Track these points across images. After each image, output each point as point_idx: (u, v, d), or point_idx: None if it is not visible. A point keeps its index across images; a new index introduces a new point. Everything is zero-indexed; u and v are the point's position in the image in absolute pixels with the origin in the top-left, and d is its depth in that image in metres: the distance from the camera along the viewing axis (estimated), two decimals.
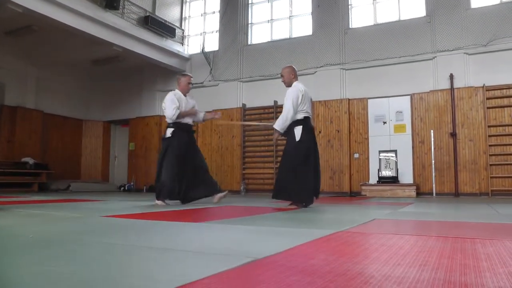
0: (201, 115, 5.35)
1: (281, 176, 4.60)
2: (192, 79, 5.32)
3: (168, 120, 5.00)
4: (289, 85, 4.78)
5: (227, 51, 11.77)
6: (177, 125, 4.99)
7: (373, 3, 10.32)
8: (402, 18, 9.87)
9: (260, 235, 2.26)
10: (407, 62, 9.47)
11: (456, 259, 1.48)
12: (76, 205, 4.89)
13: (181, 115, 4.97)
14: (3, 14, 8.50)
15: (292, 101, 4.53)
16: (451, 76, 8.94)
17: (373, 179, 9.29)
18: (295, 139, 4.58)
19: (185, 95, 5.17)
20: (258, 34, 11.79)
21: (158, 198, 4.92)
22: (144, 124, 12.81)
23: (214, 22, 12.48)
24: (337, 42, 10.27)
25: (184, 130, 5.05)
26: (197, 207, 4.73)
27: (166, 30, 11.65)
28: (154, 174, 13.20)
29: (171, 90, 5.30)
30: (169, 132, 4.98)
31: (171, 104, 4.91)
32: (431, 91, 9.16)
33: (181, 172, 4.87)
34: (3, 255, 1.60)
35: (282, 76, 4.87)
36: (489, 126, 8.61)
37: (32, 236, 2.15)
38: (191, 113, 5.15)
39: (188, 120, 5.14)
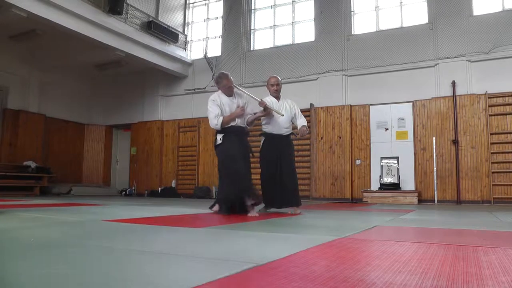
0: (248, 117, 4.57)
1: (296, 182, 4.71)
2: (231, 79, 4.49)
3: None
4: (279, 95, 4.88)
5: (229, 56, 11.81)
6: (226, 129, 4.36)
7: (375, 10, 10.35)
8: (404, 25, 9.89)
9: (261, 240, 2.25)
10: (409, 69, 9.48)
11: (458, 267, 1.47)
12: (77, 209, 4.89)
13: (225, 122, 4.31)
14: (7, 19, 8.55)
15: None
16: (453, 83, 8.94)
17: (375, 185, 9.26)
18: (294, 147, 4.91)
19: (229, 96, 4.47)
20: (260, 40, 11.82)
21: (212, 206, 4.51)
22: (146, 128, 12.83)
23: (217, 27, 12.53)
24: (340, 48, 10.29)
25: (235, 134, 4.37)
26: (197, 212, 4.72)
27: (169, 35, 11.70)
28: (155, 179, 13.19)
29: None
30: (219, 137, 4.38)
31: (211, 113, 4.33)
32: (433, 98, 9.16)
33: (240, 178, 4.24)
34: (4, 258, 1.60)
35: (279, 85, 4.82)
36: (491, 134, 8.59)
37: (33, 239, 2.15)
38: (236, 116, 4.39)
39: (238, 122, 4.42)
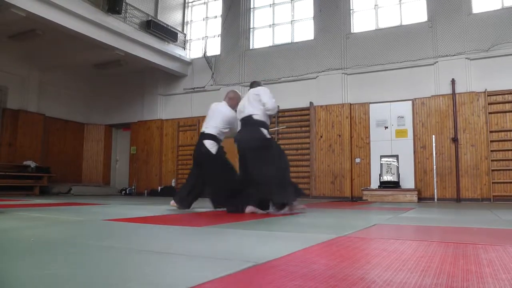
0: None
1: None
2: None
3: (270, 112, 4.41)
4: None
5: (228, 55, 11.80)
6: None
7: (374, 8, 10.35)
8: (403, 23, 9.89)
9: (260, 239, 2.25)
10: (409, 67, 9.48)
11: (458, 265, 1.47)
12: (77, 209, 4.89)
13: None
14: (6, 18, 8.54)
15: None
16: (453, 81, 8.94)
17: (375, 184, 9.27)
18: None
19: None
20: (259, 39, 11.81)
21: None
22: (145, 128, 12.83)
23: (216, 26, 12.52)
24: (339, 47, 10.29)
25: None
26: (197, 211, 4.72)
27: (168, 34, 11.70)
28: (155, 178, 13.17)
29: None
30: (266, 132, 4.40)
31: (273, 98, 4.41)
32: (432, 96, 9.16)
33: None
34: (4, 258, 1.59)
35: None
36: (490, 132, 8.59)
37: (33, 239, 2.15)
38: None
39: None
